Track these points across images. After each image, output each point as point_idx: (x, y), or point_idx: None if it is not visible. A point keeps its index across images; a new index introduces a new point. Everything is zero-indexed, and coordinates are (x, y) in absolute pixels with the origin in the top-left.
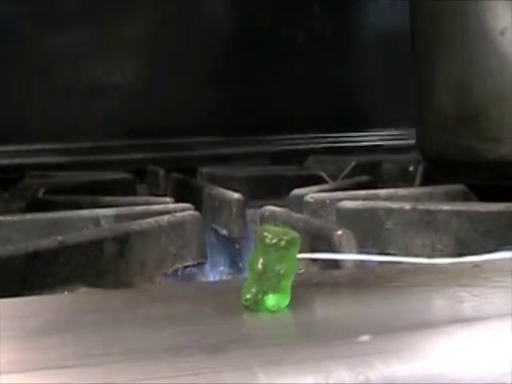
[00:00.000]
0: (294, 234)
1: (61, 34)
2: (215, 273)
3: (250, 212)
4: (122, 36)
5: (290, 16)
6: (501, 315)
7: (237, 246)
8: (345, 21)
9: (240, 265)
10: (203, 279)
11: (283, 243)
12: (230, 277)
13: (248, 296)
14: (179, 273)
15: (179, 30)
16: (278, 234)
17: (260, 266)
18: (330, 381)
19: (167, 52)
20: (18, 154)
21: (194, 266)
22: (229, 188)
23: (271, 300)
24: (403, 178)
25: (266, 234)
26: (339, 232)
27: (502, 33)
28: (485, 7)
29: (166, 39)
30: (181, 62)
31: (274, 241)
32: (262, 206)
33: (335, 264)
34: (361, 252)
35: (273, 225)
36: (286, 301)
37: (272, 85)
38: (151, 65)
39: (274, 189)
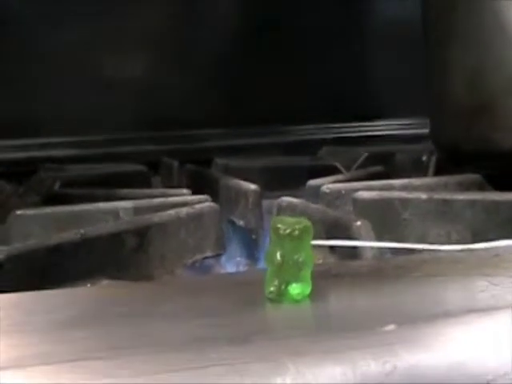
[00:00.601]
0: (306, 223)
1: (72, 26)
2: (232, 264)
3: (265, 203)
4: (133, 28)
5: (299, 4)
6: None
7: (253, 236)
8: (356, 9)
9: (256, 255)
10: (221, 270)
11: (297, 232)
12: (247, 267)
13: (272, 289)
14: (198, 264)
15: (190, 21)
16: (291, 224)
17: (279, 258)
18: (358, 370)
19: (179, 43)
20: (31, 147)
21: (212, 257)
22: (243, 179)
23: (295, 289)
24: (416, 168)
25: (279, 225)
26: (358, 223)
27: None
28: None
29: (177, 30)
30: (193, 53)
31: (287, 231)
32: (277, 197)
33: (354, 254)
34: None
35: (286, 216)
36: (309, 289)
37: (285, 75)
38: (163, 56)
39: (289, 179)
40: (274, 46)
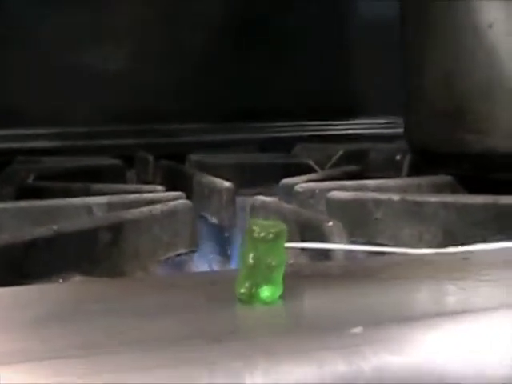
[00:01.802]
0: (281, 226)
1: (55, 19)
2: (205, 260)
3: (238, 200)
4: (113, 22)
5: (279, 2)
6: (488, 309)
7: (226, 233)
8: (334, 8)
9: (229, 253)
10: (193, 267)
11: (271, 236)
12: (219, 265)
13: (242, 290)
14: (171, 261)
15: (169, 17)
16: (266, 228)
17: (251, 260)
18: (326, 370)
19: (157, 38)
20: (5, 138)
21: (185, 254)
22: (217, 175)
23: (265, 291)
24: (390, 167)
25: (254, 227)
26: (330, 223)
27: (490, 26)
28: (473, 0)
29: (155, 25)
30: (170, 48)
31: (262, 234)
32: (251, 195)
33: (325, 255)
34: (350, 242)
35: (262, 216)
36: (279, 291)
37: (261, 72)
38: (141, 51)
39: (263, 177)
40: (251, 44)
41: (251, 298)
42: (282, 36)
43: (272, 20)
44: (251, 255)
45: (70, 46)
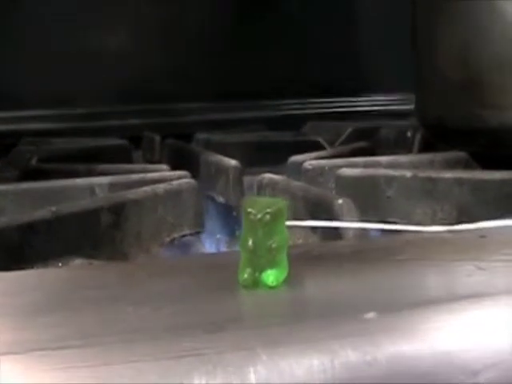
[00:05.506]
0: (279, 204)
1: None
2: (212, 241)
3: (247, 179)
4: (118, 1)
5: None
6: (510, 291)
7: (234, 213)
8: None
9: (237, 233)
10: (200, 248)
11: (268, 217)
12: (226, 245)
13: (245, 276)
14: (176, 242)
15: None
16: (263, 208)
17: (251, 244)
18: (336, 361)
19: (163, 16)
20: (11, 120)
21: (191, 235)
22: (225, 154)
23: (270, 276)
24: (401, 144)
25: (249, 209)
26: (340, 201)
27: None
28: None
29: (161, 3)
30: (177, 26)
31: (258, 216)
32: (259, 173)
33: (336, 234)
34: (362, 221)
35: (270, 194)
36: (284, 274)
37: (269, 49)
38: (146, 29)
39: (271, 155)
40: (259, 21)
41: (255, 283)
42: (291, 14)
43: None
44: (250, 239)
45: (75, 28)
